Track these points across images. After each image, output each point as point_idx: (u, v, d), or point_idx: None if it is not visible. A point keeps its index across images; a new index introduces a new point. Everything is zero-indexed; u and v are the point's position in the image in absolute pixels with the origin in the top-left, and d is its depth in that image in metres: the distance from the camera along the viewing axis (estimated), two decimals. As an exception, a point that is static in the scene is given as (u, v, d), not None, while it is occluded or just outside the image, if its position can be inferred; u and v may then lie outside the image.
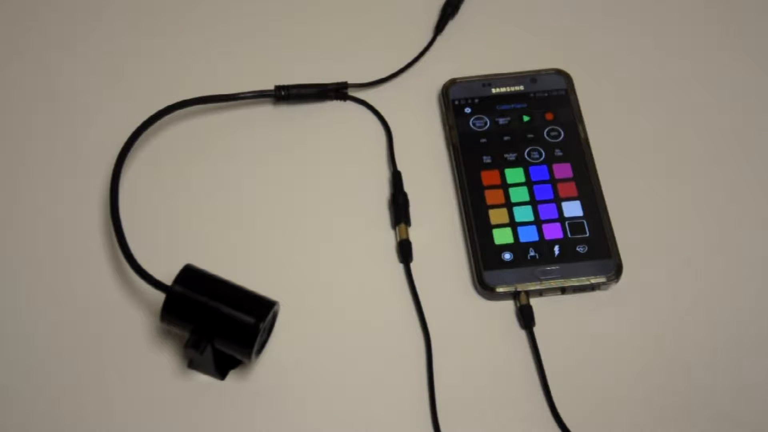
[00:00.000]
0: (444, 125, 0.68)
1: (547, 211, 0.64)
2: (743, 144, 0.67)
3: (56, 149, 0.67)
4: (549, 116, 0.67)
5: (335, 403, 0.59)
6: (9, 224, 0.65)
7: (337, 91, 0.69)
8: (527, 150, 0.66)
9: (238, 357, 0.57)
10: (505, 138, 0.66)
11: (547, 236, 0.63)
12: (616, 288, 0.62)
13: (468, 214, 0.64)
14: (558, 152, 0.66)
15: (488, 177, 0.65)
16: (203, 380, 0.59)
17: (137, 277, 0.58)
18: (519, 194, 0.64)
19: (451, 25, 0.73)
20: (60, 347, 0.60)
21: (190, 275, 0.57)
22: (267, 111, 0.69)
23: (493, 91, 0.69)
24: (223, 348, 0.56)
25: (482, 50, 0.72)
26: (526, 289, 0.61)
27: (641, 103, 0.69)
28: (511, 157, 0.66)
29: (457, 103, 0.68)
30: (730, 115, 0.69)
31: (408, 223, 0.64)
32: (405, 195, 0.65)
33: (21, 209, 0.65)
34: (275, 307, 0.57)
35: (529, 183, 0.65)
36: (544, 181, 0.65)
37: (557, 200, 0.64)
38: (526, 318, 0.61)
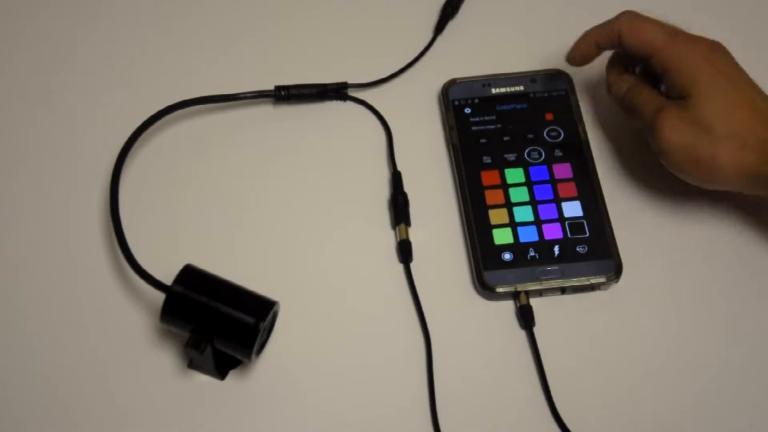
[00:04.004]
0: (444, 125, 0.68)
1: (547, 211, 0.64)
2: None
3: (57, 149, 0.67)
4: (549, 116, 0.67)
5: (335, 403, 0.59)
6: (9, 224, 0.65)
7: (337, 91, 0.69)
8: (527, 150, 0.66)
9: (238, 357, 0.57)
10: (505, 138, 0.66)
11: (547, 236, 0.63)
12: (615, 288, 0.62)
13: (468, 214, 0.64)
14: (558, 152, 0.66)
15: (488, 177, 0.65)
16: (203, 380, 0.59)
17: (137, 277, 0.58)
18: (519, 194, 0.64)
19: (451, 26, 0.73)
20: (60, 347, 0.60)
21: (190, 275, 0.57)
22: (267, 111, 0.69)
23: (493, 91, 0.69)
24: (223, 348, 0.56)
25: (482, 50, 0.72)
26: (526, 289, 0.61)
27: (641, 104, 0.69)
28: (511, 157, 0.66)
29: (457, 103, 0.68)
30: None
31: (408, 223, 0.64)
32: (405, 195, 0.65)
33: (21, 209, 0.65)
34: (275, 307, 0.57)
35: (529, 183, 0.65)
36: (544, 182, 0.65)
37: (557, 200, 0.64)
38: (526, 318, 0.61)
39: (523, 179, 0.65)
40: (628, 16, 0.62)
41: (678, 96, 0.60)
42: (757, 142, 0.58)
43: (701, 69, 0.59)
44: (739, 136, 0.58)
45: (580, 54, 0.64)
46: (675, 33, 0.61)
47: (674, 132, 0.59)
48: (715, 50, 0.61)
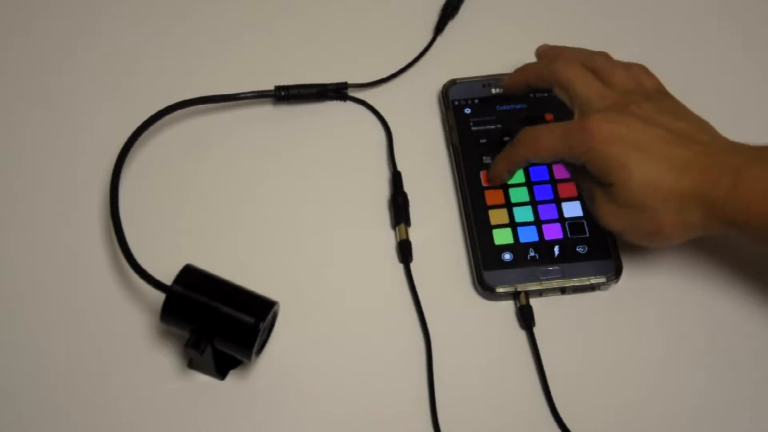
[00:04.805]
0: (444, 125, 0.68)
1: (547, 211, 0.64)
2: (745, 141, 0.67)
3: (57, 149, 0.67)
4: (548, 117, 0.67)
5: (335, 403, 0.59)
6: (9, 224, 0.65)
7: (337, 91, 0.69)
8: (527, 150, 0.66)
9: (238, 357, 0.57)
10: (505, 138, 0.66)
11: (547, 236, 0.63)
12: (615, 288, 0.62)
13: (468, 215, 0.64)
14: (558, 152, 0.66)
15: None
16: (203, 380, 0.59)
17: (137, 277, 0.58)
18: (519, 194, 0.64)
19: (451, 26, 0.73)
20: (60, 347, 0.60)
21: (190, 275, 0.57)
22: (267, 111, 0.69)
23: (493, 91, 0.69)
24: (223, 348, 0.56)
25: (482, 50, 0.72)
26: (526, 289, 0.61)
27: (641, 104, 0.69)
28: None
29: (457, 103, 0.68)
30: (730, 116, 0.69)
31: (408, 223, 0.64)
32: (405, 195, 0.65)
33: (21, 209, 0.65)
34: (275, 307, 0.57)
35: (528, 183, 0.65)
36: (544, 182, 0.65)
37: (557, 200, 0.64)
38: (526, 318, 0.61)
39: (523, 179, 0.65)
40: (525, 137, 0.60)
41: (603, 183, 0.57)
42: (692, 200, 0.55)
43: (608, 154, 0.56)
44: (673, 201, 0.55)
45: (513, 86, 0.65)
46: (568, 130, 0.58)
47: (613, 218, 0.58)
48: (613, 118, 0.57)
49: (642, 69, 0.61)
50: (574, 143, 0.57)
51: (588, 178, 0.59)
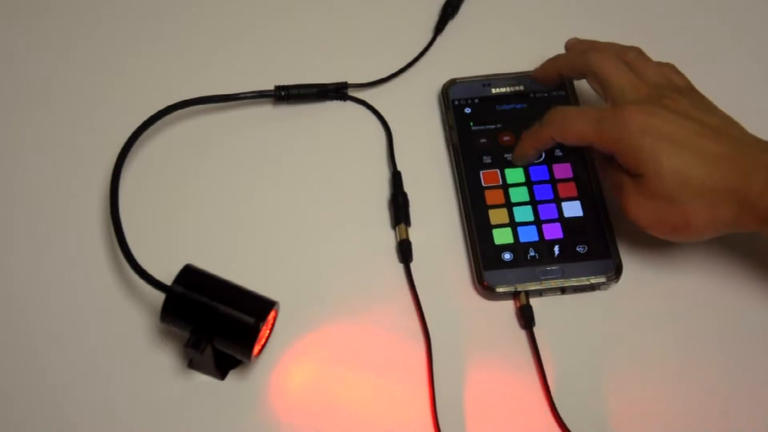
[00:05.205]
0: (444, 125, 0.68)
1: (547, 211, 0.64)
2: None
3: (56, 149, 0.67)
4: (549, 116, 0.67)
5: (335, 403, 0.59)
6: (9, 224, 0.65)
7: (337, 91, 0.69)
8: (527, 150, 0.66)
9: (238, 357, 0.57)
10: (505, 138, 0.66)
11: (547, 236, 0.63)
12: (616, 288, 0.62)
13: (468, 214, 0.64)
14: (558, 152, 0.66)
15: (488, 177, 0.65)
16: (203, 380, 0.59)
17: (137, 277, 0.58)
18: (519, 194, 0.64)
19: (451, 26, 0.73)
20: (60, 347, 0.60)
21: (190, 275, 0.57)
22: (267, 111, 0.69)
23: (493, 91, 0.69)
24: (223, 348, 0.56)
25: (482, 50, 0.72)
26: (526, 289, 0.61)
27: (641, 103, 0.69)
28: (511, 157, 0.66)
29: (457, 103, 0.68)
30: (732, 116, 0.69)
31: (408, 223, 0.64)
32: (405, 195, 0.65)
33: (21, 209, 0.65)
34: (275, 307, 0.57)
35: (529, 183, 0.65)
36: (544, 181, 0.65)
37: (557, 200, 0.64)
38: (526, 318, 0.61)
39: (523, 179, 0.65)
40: (555, 116, 0.60)
41: (633, 174, 0.57)
42: (725, 196, 0.55)
43: (640, 144, 0.56)
44: (704, 195, 0.55)
45: (544, 76, 0.66)
46: (601, 117, 0.58)
47: (640, 209, 0.57)
48: (647, 109, 0.57)
49: (672, 66, 0.61)
50: (606, 131, 0.57)
51: (616, 169, 0.59)
